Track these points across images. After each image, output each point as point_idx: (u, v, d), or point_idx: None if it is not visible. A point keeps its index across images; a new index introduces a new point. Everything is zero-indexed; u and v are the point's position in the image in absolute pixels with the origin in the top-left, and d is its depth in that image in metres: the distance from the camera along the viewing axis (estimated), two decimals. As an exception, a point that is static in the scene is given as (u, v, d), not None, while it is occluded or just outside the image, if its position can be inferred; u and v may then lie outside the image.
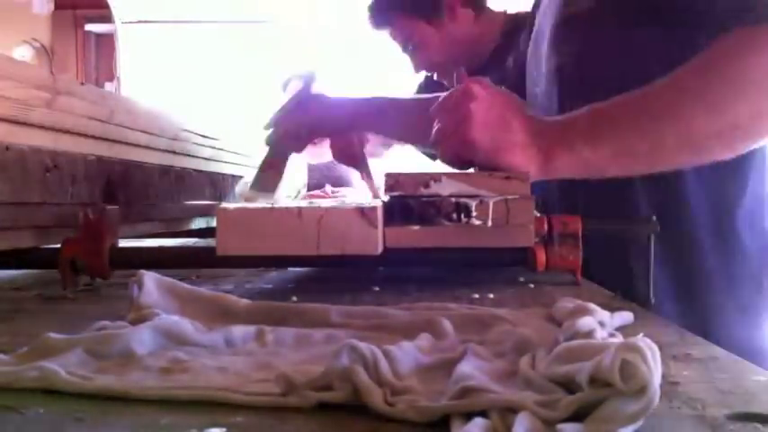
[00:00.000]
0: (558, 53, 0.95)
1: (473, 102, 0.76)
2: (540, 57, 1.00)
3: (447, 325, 0.50)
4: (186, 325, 0.49)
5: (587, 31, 0.89)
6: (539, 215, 0.75)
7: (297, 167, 1.99)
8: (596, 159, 0.77)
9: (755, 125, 0.74)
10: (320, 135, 1.13)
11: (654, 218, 0.74)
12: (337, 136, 1.14)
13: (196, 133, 1.35)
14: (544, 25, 0.99)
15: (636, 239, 0.76)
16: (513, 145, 0.77)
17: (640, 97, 0.76)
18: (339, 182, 2.92)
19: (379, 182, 0.95)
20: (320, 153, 1.25)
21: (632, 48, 0.86)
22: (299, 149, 1.11)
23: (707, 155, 0.77)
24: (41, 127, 0.81)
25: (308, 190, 2.12)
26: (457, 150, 0.78)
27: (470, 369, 0.37)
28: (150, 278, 0.59)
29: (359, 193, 1.72)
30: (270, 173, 1.06)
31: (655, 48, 0.84)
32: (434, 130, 0.80)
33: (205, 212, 1.38)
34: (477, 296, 0.68)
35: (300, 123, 1.08)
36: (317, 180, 2.74)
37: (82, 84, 0.93)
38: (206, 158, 1.45)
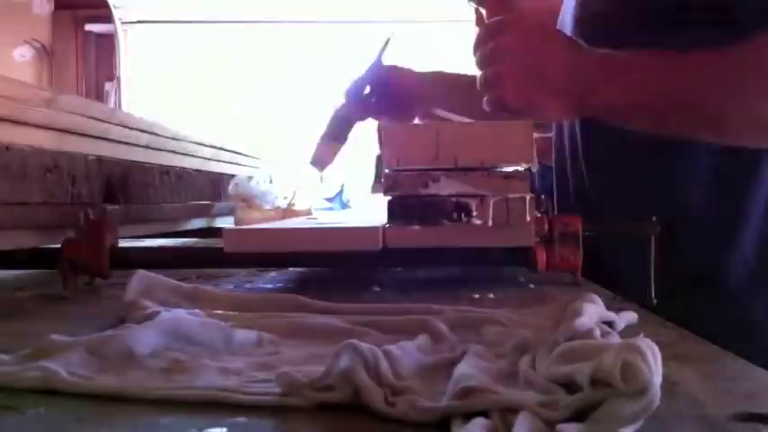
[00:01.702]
0: None
1: (504, 62, 0.75)
2: None
3: (442, 326, 0.50)
4: (186, 323, 0.49)
5: (597, 34, 0.89)
6: (539, 215, 0.75)
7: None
8: (625, 108, 0.76)
9: None
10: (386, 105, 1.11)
11: (654, 218, 0.74)
12: (401, 110, 1.12)
13: (196, 135, 1.35)
14: (566, 22, 0.98)
15: (637, 240, 0.76)
16: (548, 98, 0.76)
17: (678, 65, 0.73)
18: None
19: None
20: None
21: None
22: (364, 119, 1.09)
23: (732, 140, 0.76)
24: (41, 127, 0.81)
25: None
26: (495, 110, 0.78)
27: (471, 369, 0.37)
28: (149, 278, 0.59)
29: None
30: (331, 145, 1.04)
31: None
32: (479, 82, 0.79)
33: (205, 212, 1.38)
34: (477, 296, 0.68)
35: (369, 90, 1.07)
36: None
37: (82, 84, 0.93)
38: (206, 158, 1.45)
